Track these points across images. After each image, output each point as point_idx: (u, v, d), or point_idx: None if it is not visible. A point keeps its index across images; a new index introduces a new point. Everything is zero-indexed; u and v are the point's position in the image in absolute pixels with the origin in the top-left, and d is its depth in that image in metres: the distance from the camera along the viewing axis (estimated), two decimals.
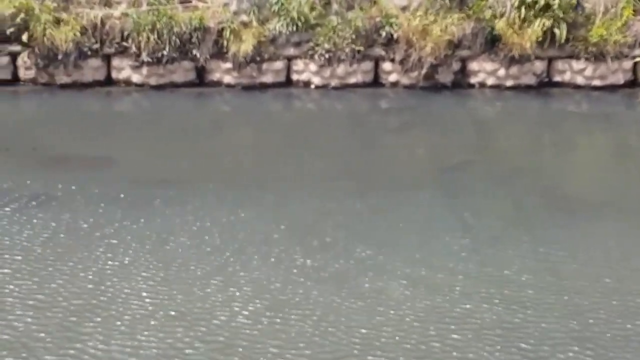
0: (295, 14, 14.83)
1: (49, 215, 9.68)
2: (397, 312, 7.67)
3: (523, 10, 14.90)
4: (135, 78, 15.07)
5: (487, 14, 15.12)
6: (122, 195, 10.30)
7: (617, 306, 7.91)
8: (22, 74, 15.03)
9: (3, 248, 8.82)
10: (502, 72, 15.36)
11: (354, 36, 14.98)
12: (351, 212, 10.12)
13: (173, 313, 7.57)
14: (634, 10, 15.27)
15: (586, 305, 7.91)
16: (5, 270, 8.33)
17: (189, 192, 10.52)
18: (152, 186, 10.70)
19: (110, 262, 8.52)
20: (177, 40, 14.76)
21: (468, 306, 7.79)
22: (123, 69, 15.08)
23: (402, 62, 15.17)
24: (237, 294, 7.99)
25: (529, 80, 15.53)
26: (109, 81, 15.20)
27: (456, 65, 15.41)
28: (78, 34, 14.66)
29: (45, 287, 8.00)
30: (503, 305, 7.84)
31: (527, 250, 9.03)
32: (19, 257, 8.62)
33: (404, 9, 15.30)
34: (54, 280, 8.13)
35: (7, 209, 9.88)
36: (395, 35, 15.08)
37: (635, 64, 15.35)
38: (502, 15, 15.00)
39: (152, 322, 7.42)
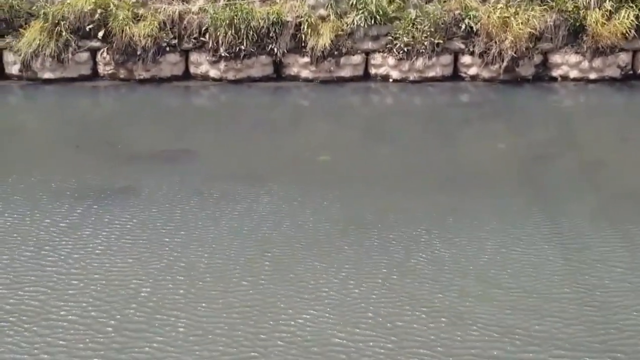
0: (373, 7, 14.32)
1: (116, 217, 9.13)
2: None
3: (608, 1, 14.46)
4: (213, 73, 14.74)
5: (570, 5, 14.66)
6: (197, 193, 9.80)
7: None
8: (102, 69, 14.80)
9: (59, 260, 8.12)
10: (585, 64, 14.77)
11: (432, 29, 14.49)
12: (430, 209, 9.47)
13: (226, 330, 6.89)
14: None
15: None
16: (51, 292, 7.58)
17: (264, 189, 9.99)
18: (229, 181, 10.24)
19: (170, 286, 7.69)
20: (255, 35, 14.48)
21: (555, 308, 7.38)
22: (201, 64, 14.76)
23: (482, 55, 14.62)
24: (305, 308, 7.28)
25: (613, 72, 14.83)
26: (186, 76, 14.92)
27: (537, 58, 14.80)
28: (156, 29, 14.39)
29: (102, 305, 7.27)
30: (593, 310, 7.41)
31: (616, 254, 8.51)
32: (79, 271, 7.91)
33: (483, 1, 14.80)
34: (111, 298, 7.40)
35: (78, 209, 9.35)
36: (475, 28, 14.51)
37: None
38: (585, 7, 14.54)
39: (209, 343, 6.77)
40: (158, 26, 14.47)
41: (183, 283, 7.71)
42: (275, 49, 14.59)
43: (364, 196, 9.94)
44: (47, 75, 14.76)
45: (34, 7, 14.52)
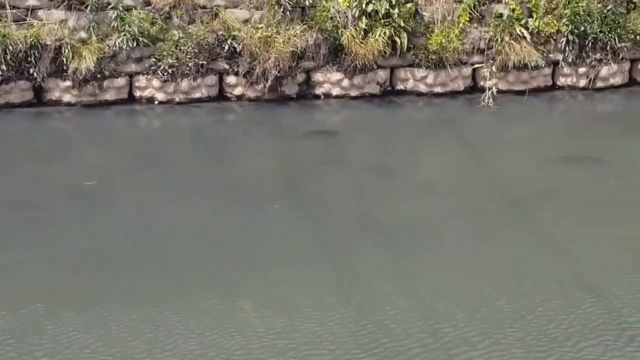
0: (135, 29, 14.40)
1: None
2: None
3: (364, 19, 14.99)
4: None
5: (330, 24, 15.11)
6: None
7: None
8: None
9: None
10: (346, 82, 15.33)
11: (196, 50, 14.72)
12: (203, 225, 10.25)
13: None
14: (469, 18, 15.55)
15: None
16: None
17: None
18: None
19: None
20: (13, 60, 14.15)
21: None
22: None
23: (246, 75, 14.97)
24: None
25: (373, 89, 15.54)
26: None
27: (301, 77, 15.29)
28: None
29: None
30: None
31: None
32: None
33: (245, 21, 15.12)
34: None
35: None
36: (238, 48, 14.89)
37: (474, 70, 15.67)
38: (344, 26, 15.02)
39: None
40: None
41: None
42: (35, 74, 14.20)
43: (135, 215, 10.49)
44: None
45: None
